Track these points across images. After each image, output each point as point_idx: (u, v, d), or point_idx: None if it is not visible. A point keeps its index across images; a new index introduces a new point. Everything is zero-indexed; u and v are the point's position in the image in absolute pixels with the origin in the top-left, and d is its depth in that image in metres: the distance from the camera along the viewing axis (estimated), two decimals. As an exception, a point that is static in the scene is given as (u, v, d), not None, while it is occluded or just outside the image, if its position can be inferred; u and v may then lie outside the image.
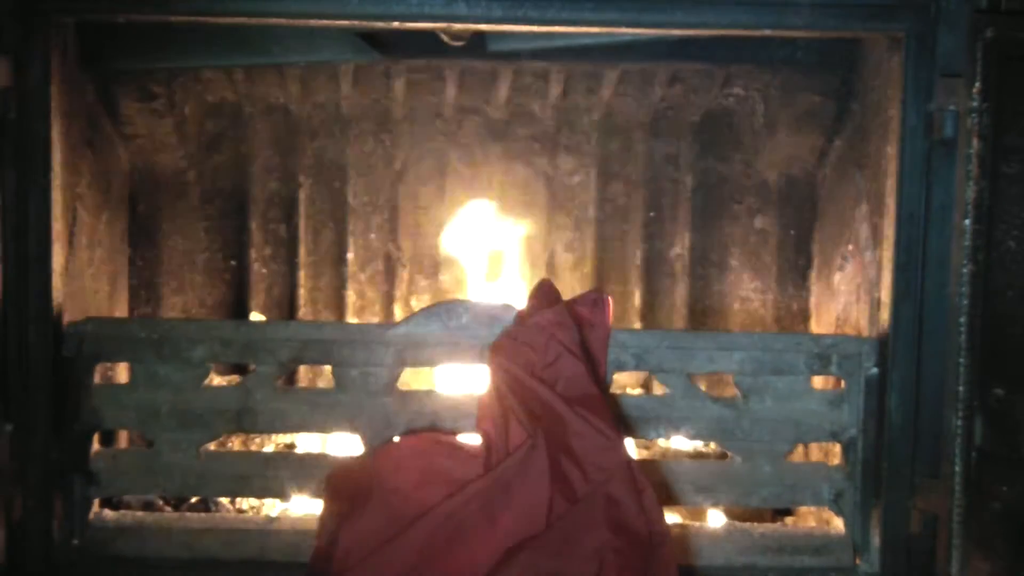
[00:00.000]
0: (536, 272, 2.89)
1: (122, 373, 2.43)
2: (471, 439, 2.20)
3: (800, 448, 2.56)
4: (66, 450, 2.19)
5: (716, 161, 2.88)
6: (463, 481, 2.05)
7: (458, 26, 2.20)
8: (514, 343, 2.16)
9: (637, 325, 2.90)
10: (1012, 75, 1.97)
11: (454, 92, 2.74)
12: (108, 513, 2.29)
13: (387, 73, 2.70)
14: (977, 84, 1.98)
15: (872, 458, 2.21)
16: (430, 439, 2.17)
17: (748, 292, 2.91)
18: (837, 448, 2.30)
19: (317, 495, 2.22)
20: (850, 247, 2.46)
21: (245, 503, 2.54)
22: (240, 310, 2.88)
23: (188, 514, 2.36)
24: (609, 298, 2.25)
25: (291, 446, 2.70)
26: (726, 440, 2.26)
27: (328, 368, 2.26)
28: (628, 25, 2.14)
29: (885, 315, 2.18)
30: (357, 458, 2.21)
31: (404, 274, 2.91)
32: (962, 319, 2.00)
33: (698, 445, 2.67)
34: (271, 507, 2.52)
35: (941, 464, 2.08)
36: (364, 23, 2.15)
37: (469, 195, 2.88)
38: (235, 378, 2.59)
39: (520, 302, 2.29)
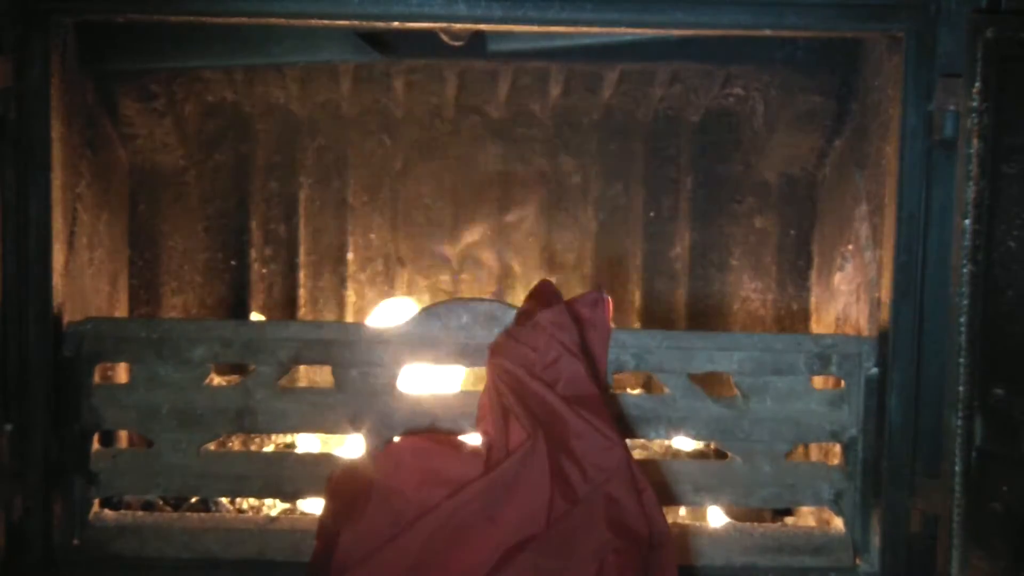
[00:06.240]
0: (536, 272, 2.89)
1: (122, 373, 2.43)
2: (471, 439, 2.20)
3: (800, 448, 2.56)
4: (66, 450, 2.19)
5: (716, 161, 2.88)
6: (463, 481, 2.05)
7: (458, 26, 2.20)
8: (514, 343, 2.16)
9: (637, 325, 2.90)
10: (1012, 75, 1.97)
11: (454, 92, 2.74)
12: (108, 513, 2.28)
13: (387, 73, 2.70)
14: (977, 84, 1.97)
15: (872, 458, 2.21)
16: (430, 439, 2.18)
17: (748, 292, 2.91)
18: (837, 448, 2.30)
19: (318, 495, 2.22)
20: (850, 247, 2.46)
21: (245, 503, 2.54)
22: (240, 310, 2.88)
23: (188, 514, 2.36)
24: (609, 298, 2.25)
25: (291, 446, 2.70)
26: (726, 440, 2.26)
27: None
28: (628, 25, 2.14)
29: (885, 315, 2.18)
30: (357, 458, 2.21)
31: (404, 274, 2.91)
32: (962, 319, 2.00)
33: (698, 445, 2.67)
34: (271, 507, 2.52)
35: (941, 464, 2.08)
36: (364, 23, 2.15)
37: (469, 195, 2.88)
38: (235, 378, 2.59)
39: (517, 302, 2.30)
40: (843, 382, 2.26)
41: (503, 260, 2.92)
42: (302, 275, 2.89)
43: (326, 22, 2.14)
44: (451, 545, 1.98)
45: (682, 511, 2.49)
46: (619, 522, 1.97)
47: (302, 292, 2.89)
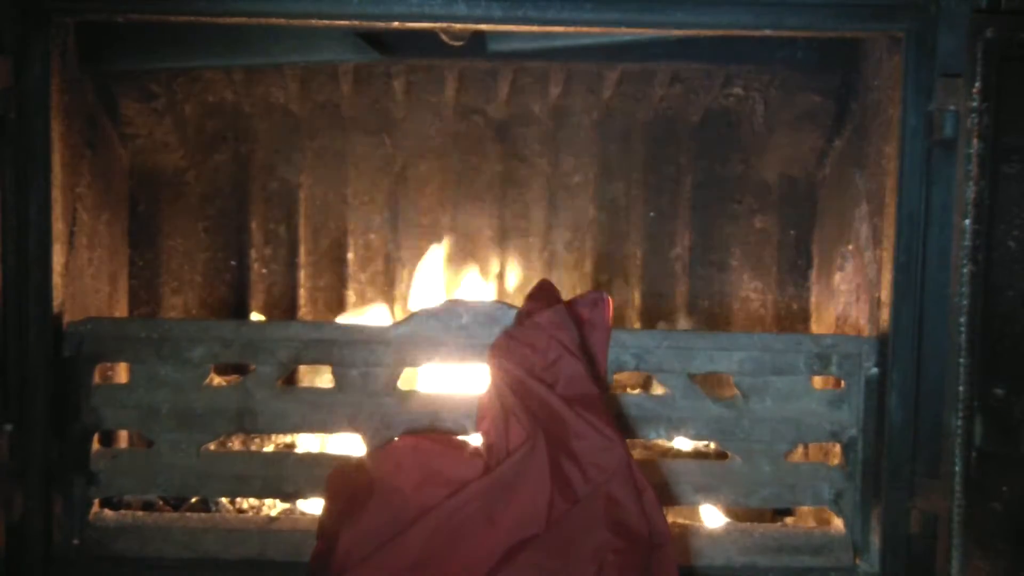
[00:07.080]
0: (536, 272, 2.89)
1: (122, 373, 2.43)
2: (471, 439, 2.20)
3: (800, 448, 2.56)
4: (66, 450, 2.19)
5: (716, 161, 2.88)
6: (463, 481, 2.05)
7: (458, 26, 2.20)
8: (514, 343, 2.16)
9: (637, 325, 2.90)
10: (1012, 75, 1.97)
11: (454, 92, 2.74)
12: (108, 513, 2.29)
13: (387, 73, 2.70)
14: (977, 84, 1.98)
15: (872, 458, 2.21)
16: (430, 439, 2.17)
17: (748, 292, 2.91)
18: (837, 448, 2.31)
19: (318, 495, 2.22)
20: (850, 247, 2.46)
21: (245, 503, 2.54)
22: (240, 310, 2.88)
23: (188, 514, 2.36)
24: (609, 298, 2.24)
25: (291, 446, 2.70)
26: (726, 440, 2.26)
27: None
28: (628, 25, 2.14)
29: (885, 315, 2.18)
30: (357, 458, 2.21)
31: (404, 274, 2.91)
32: (962, 319, 2.00)
33: (698, 445, 2.67)
34: (271, 507, 2.52)
35: (941, 464, 2.08)
36: (364, 23, 2.15)
37: (469, 195, 2.88)
38: (235, 378, 2.59)
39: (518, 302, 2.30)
40: (843, 382, 2.26)
41: (503, 260, 2.92)
42: (302, 275, 2.89)
43: (326, 22, 2.14)
44: (451, 545, 1.98)
45: (682, 511, 2.49)
46: (619, 522, 1.97)
47: (302, 292, 2.89)
